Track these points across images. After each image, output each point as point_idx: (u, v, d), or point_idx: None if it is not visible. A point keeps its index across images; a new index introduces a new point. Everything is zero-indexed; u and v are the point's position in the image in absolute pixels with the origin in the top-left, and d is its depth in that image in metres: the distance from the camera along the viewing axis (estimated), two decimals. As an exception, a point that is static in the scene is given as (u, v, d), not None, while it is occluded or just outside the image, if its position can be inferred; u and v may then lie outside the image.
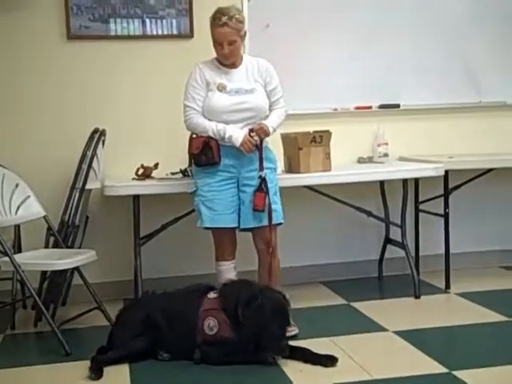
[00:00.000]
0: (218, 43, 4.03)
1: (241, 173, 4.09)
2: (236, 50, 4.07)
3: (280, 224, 4.17)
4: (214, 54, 4.74)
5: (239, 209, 4.12)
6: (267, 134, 4.10)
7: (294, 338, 3.90)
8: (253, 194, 4.03)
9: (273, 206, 4.09)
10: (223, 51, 4.03)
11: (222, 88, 4.07)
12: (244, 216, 4.10)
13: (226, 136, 4.00)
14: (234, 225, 4.12)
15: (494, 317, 4.32)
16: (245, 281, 3.87)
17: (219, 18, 3.99)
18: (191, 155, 4.16)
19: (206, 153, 4.03)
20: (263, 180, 4.03)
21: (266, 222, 4.07)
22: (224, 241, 4.15)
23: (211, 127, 4.03)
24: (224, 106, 4.05)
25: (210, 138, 4.03)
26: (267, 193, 4.02)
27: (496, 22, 5.46)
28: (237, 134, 4.00)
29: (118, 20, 4.98)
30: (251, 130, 4.05)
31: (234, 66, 4.13)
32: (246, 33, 4.13)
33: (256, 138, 4.03)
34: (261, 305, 3.60)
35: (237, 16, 4.02)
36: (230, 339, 3.61)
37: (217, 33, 4.01)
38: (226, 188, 4.09)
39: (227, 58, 4.08)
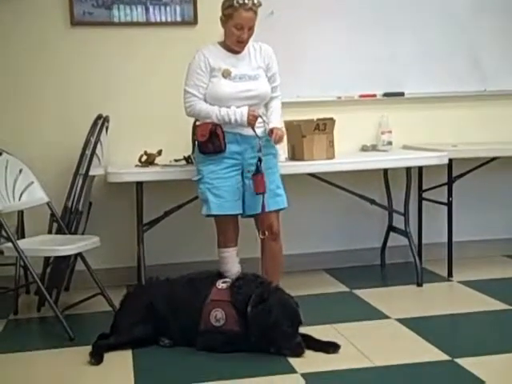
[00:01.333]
0: (238, 27, 3.97)
1: (245, 159, 4.08)
2: (252, 35, 4.06)
3: (283, 209, 4.17)
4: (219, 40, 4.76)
5: (243, 195, 4.11)
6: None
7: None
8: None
9: (277, 191, 4.10)
10: (243, 36, 3.99)
11: (227, 74, 4.04)
12: (249, 202, 4.09)
13: (232, 120, 3.99)
14: (240, 211, 4.12)
15: (496, 305, 4.32)
16: (256, 277, 3.82)
17: (246, 3, 3.94)
18: (197, 143, 4.10)
19: (212, 141, 4.00)
20: (259, 161, 3.99)
21: (273, 208, 4.07)
22: (228, 228, 4.14)
23: (215, 113, 4.01)
24: (230, 93, 4.03)
25: (215, 124, 4.01)
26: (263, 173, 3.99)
27: (501, 10, 5.44)
28: (240, 115, 3.98)
29: (122, 6, 4.97)
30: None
31: (238, 51, 4.11)
32: None
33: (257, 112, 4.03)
34: (273, 304, 3.57)
35: (257, 1, 4.00)
36: (236, 333, 3.60)
37: (242, 17, 3.95)
38: (231, 175, 4.08)
39: (243, 44, 4.05)
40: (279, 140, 4.10)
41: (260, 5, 4.03)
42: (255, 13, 4.00)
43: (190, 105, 4.07)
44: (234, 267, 4.13)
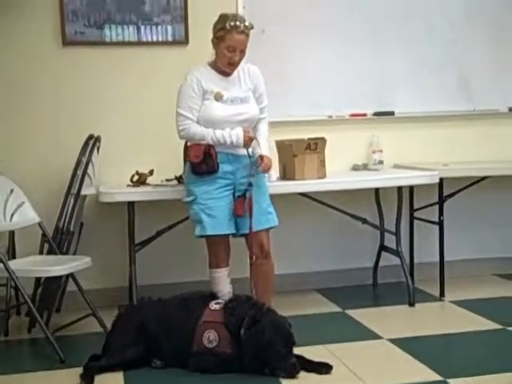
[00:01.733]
0: (230, 49, 4.00)
1: (237, 178, 4.10)
2: (243, 58, 4.09)
3: (274, 227, 4.20)
4: (209, 60, 4.78)
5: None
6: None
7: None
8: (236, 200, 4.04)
9: (268, 209, 4.14)
10: (235, 58, 4.02)
11: (219, 97, 4.06)
12: (241, 222, 4.09)
13: (228, 142, 4.01)
14: (233, 231, 4.13)
15: (488, 325, 4.33)
16: (249, 298, 3.83)
17: (238, 25, 3.98)
18: (190, 164, 4.11)
19: (206, 161, 4.02)
20: (250, 185, 4.03)
21: (265, 226, 4.10)
22: (220, 248, 4.15)
23: (210, 135, 4.02)
24: (222, 116, 4.05)
25: (208, 145, 4.03)
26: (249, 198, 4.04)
27: (490, 31, 5.51)
28: (236, 137, 4.01)
29: (113, 26, 4.99)
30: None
31: (228, 73, 4.14)
32: None
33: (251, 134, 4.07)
34: (266, 325, 3.57)
35: (249, 24, 4.04)
36: (229, 355, 3.59)
37: (234, 39, 3.99)
38: (224, 195, 4.09)
39: (234, 66, 4.08)
40: (267, 170, 4.17)
41: (252, 28, 4.07)
42: (247, 36, 4.03)
43: (184, 128, 4.07)
44: (225, 287, 4.13)
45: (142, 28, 5.04)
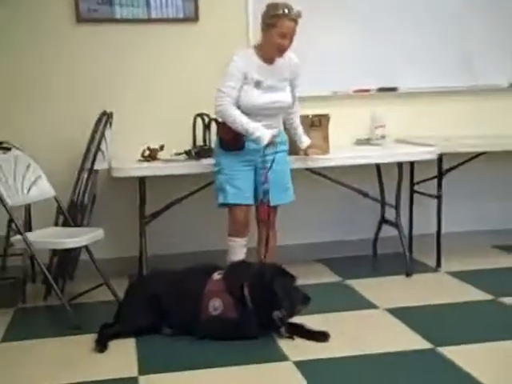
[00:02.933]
0: (281, 35, 4.16)
1: (260, 156, 4.31)
2: (291, 44, 4.25)
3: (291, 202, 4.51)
4: (221, 37, 5.08)
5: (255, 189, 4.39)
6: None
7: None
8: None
9: (288, 185, 4.44)
10: (285, 44, 4.18)
11: (257, 85, 4.24)
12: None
13: (254, 137, 4.19)
14: (252, 203, 4.40)
15: (480, 295, 4.52)
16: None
17: (290, 13, 4.14)
18: (221, 139, 4.33)
19: (235, 139, 4.24)
20: (266, 192, 4.29)
21: (284, 201, 4.44)
22: (243, 217, 4.36)
23: (241, 123, 4.17)
24: (258, 104, 4.24)
25: None
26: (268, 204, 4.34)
27: (491, 7, 5.60)
28: (263, 135, 4.19)
29: (124, 3, 5.10)
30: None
31: (271, 61, 4.29)
32: None
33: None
34: (264, 271, 3.88)
35: (298, 12, 4.20)
36: (234, 320, 3.82)
37: (286, 26, 4.15)
38: (247, 169, 4.34)
39: (283, 51, 4.24)
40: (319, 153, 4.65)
41: (300, 16, 4.22)
42: (297, 23, 4.19)
43: (222, 104, 4.20)
44: (241, 256, 4.35)
45: (153, 5, 5.16)
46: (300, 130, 4.61)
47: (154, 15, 5.18)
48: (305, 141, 4.60)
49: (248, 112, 4.23)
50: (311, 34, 5.31)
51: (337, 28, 5.40)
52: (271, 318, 3.85)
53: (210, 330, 3.86)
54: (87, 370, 3.57)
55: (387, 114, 5.44)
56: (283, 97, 4.35)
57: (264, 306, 3.82)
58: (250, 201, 4.37)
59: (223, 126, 4.29)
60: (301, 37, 5.21)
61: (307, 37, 5.27)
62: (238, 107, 4.23)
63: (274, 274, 3.87)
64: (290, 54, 4.35)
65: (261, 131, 4.19)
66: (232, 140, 4.26)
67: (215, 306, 3.86)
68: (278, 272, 3.91)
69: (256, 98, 4.24)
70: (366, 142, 5.43)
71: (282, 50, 4.23)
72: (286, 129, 4.57)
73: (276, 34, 4.17)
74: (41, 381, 3.47)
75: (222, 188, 4.34)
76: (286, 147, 4.49)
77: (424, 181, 5.35)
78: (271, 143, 4.22)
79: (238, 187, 4.31)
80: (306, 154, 4.62)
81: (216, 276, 3.98)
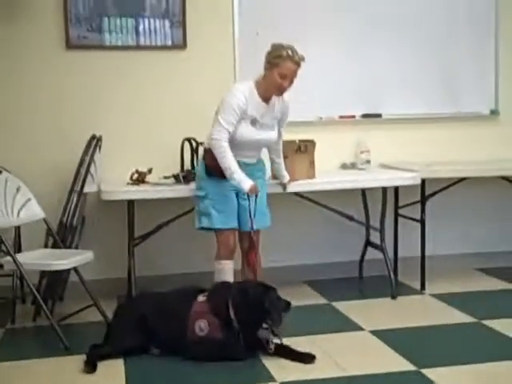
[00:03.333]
0: (282, 76, 4.26)
1: None
2: (291, 86, 4.36)
3: (267, 227, 4.59)
4: (208, 64, 5.23)
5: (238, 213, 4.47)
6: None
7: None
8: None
9: (265, 211, 4.51)
10: (285, 85, 4.29)
11: (253, 122, 4.35)
12: (243, 220, 4.44)
13: (235, 182, 4.24)
14: (237, 226, 4.46)
15: (463, 318, 4.60)
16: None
17: (294, 55, 4.27)
18: (206, 165, 4.40)
19: (220, 167, 4.30)
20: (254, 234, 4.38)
21: (262, 226, 4.52)
22: (230, 240, 4.44)
23: (229, 167, 4.22)
24: (250, 140, 4.37)
25: None
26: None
27: (473, 36, 5.77)
28: (245, 186, 4.24)
29: (114, 31, 5.19)
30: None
31: (268, 99, 4.39)
32: None
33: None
34: (248, 287, 3.99)
35: (302, 56, 4.33)
36: (220, 340, 3.89)
37: (288, 67, 4.26)
38: (231, 194, 4.41)
39: (283, 92, 4.36)
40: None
41: (304, 60, 4.34)
42: (299, 66, 4.31)
43: (218, 139, 4.23)
44: (230, 279, 4.41)
45: (142, 32, 5.25)
46: (282, 164, 4.73)
47: (142, 42, 5.27)
48: (285, 175, 4.74)
49: (236, 143, 4.31)
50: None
51: (322, 55, 5.48)
52: (257, 336, 3.93)
53: (197, 351, 3.92)
54: (77, 390, 3.61)
55: (372, 139, 5.57)
56: (272, 135, 4.48)
57: (250, 324, 3.90)
58: (235, 224, 4.45)
59: (210, 153, 4.34)
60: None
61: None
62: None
63: (257, 289, 3.97)
64: (284, 95, 4.46)
65: (243, 182, 4.24)
66: (217, 167, 4.30)
67: (201, 327, 3.93)
68: (259, 287, 4.01)
69: (250, 134, 4.35)
70: (351, 166, 5.53)
71: (281, 90, 4.34)
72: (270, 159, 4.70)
73: (277, 73, 4.27)
74: (30, 401, 3.50)
75: (206, 212, 4.39)
76: (264, 174, 4.59)
77: (408, 205, 5.45)
78: (252, 192, 4.27)
79: (224, 211, 4.38)
80: (284, 187, 4.76)
81: (201, 298, 4.05)
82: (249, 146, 4.40)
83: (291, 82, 4.32)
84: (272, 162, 4.74)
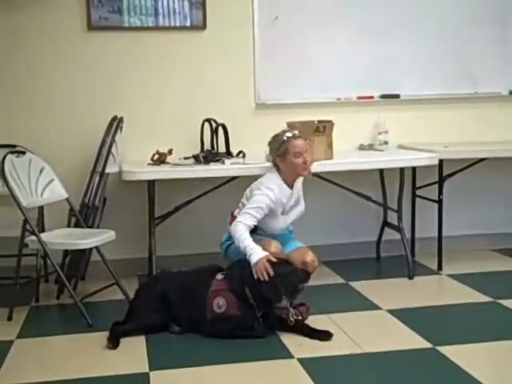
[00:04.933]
0: (297, 155, 4.30)
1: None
2: (312, 158, 4.41)
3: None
4: (228, 45, 5.29)
5: None
6: None
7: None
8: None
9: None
10: (305, 160, 4.31)
11: (283, 211, 4.42)
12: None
13: (247, 255, 4.05)
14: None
15: (480, 297, 4.64)
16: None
17: (293, 133, 4.34)
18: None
19: None
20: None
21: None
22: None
23: (241, 240, 4.10)
24: (280, 228, 4.45)
25: None
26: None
27: (492, 16, 5.74)
28: (255, 256, 4.02)
29: (133, 12, 5.23)
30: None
31: (292, 185, 4.45)
32: None
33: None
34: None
35: (300, 132, 4.40)
36: (237, 316, 3.99)
37: (296, 145, 4.31)
38: None
39: (307, 168, 4.36)
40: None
41: (302, 136, 4.41)
42: (305, 139, 4.37)
43: (238, 228, 4.16)
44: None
45: (161, 13, 5.28)
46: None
47: (161, 23, 5.31)
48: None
49: (271, 233, 4.39)
50: (315, 42, 5.52)
51: (342, 37, 5.53)
52: (275, 314, 4.01)
53: (216, 328, 4.01)
54: (100, 365, 3.70)
55: (390, 120, 5.58)
56: (299, 209, 4.56)
57: (266, 300, 3.96)
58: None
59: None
60: (307, 45, 5.47)
61: (311, 44, 5.50)
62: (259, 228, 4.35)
63: (271, 264, 3.99)
64: None
65: (254, 255, 4.02)
66: None
67: (219, 304, 4.02)
68: (273, 262, 4.03)
69: (280, 224, 4.44)
70: (369, 147, 5.56)
71: (307, 168, 4.36)
72: None
73: (292, 156, 4.30)
74: (56, 375, 3.60)
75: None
76: (291, 233, 4.66)
77: (425, 186, 5.48)
78: (261, 272, 3.96)
79: None
80: None
81: (219, 276, 4.13)
82: (281, 230, 4.48)
83: (309, 155, 4.36)
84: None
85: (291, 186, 4.44)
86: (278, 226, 4.43)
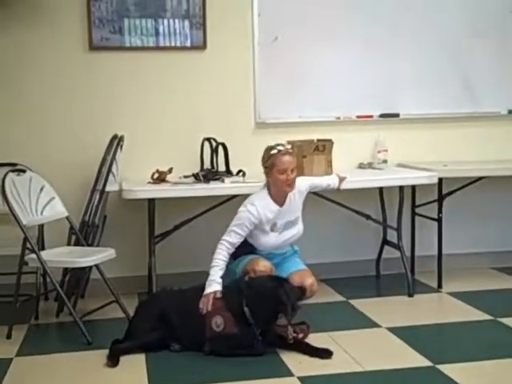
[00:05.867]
0: (281, 171, 4.27)
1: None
2: (295, 178, 4.36)
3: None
4: (228, 65, 5.31)
5: None
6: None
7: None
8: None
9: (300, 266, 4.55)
10: (288, 177, 4.29)
11: (273, 227, 4.40)
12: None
13: (207, 282, 4.19)
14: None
15: (480, 315, 4.64)
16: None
17: (281, 149, 4.31)
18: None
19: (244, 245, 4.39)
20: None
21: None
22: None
23: (212, 265, 4.24)
24: (273, 245, 4.44)
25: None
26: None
27: (491, 35, 5.78)
28: (208, 289, 4.15)
29: (134, 32, 5.27)
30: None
31: (282, 202, 4.41)
32: None
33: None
34: (260, 283, 4.07)
35: (290, 147, 4.40)
36: (235, 335, 3.99)
37: (281, 161, 4.27)
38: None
39: (290, 186, 4.33)
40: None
41: (293, 150, 4.42)
42: (292, 156, 4.35)
43: (221, 245, 4.28)
44: None
45: (161, 33, 5.33)
46: (326, 183, 4.78)
47: (162, 43, 5.35)
48: (334, 181, 4.80)
49: (263, 250, 4.41)
50: (315, 60, 5.54)
51: (340, 55, 5.56)
52: (275, 331, 4.02)
53: (215, 346, 4.01)
54: (100, 383, 3.70)
55: (389, 139, 5.60)
56: (295, 230, 4.50)
57: (265, 318, 3.98)
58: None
59: None
60: (307, 64, 5.50)
61: (311, 63, 5.53)
62: (251, 247, 4.40)
63: (268, 282, 4.05)
64: (296, 187, 4.45)
65: (208, 288, 4.15)
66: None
67: (217, 323, 4.02)
68: (271, 280, 4.09)
69: (272, 241, 4.41)
70: (369, 166, 5.57)
71: (289, 184, 4.33)
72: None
73: (277, 172, 4.29)
74: (55, 394, 3.60)
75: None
76: (293, 251, 4.63)
77: (425, 204, 5.50)
78: (204, 306, 4.09)
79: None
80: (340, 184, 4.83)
81: (217, 294, 4.13)
82: (277, 247, 4.47)
83: (294, 172, 4.32)
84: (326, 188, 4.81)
85: (280, 203, 4.40)
86: (269, 243, 4.41)
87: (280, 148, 4.33)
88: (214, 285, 4.15)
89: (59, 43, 5.19)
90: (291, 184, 4.34)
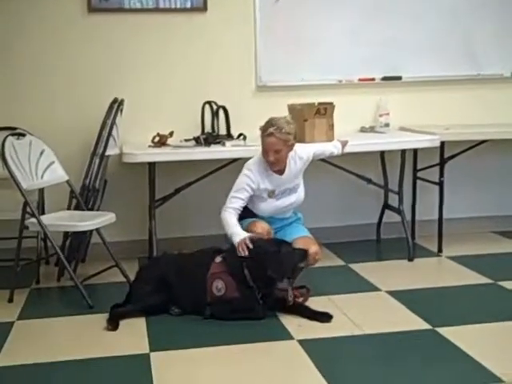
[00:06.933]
0: (265, 151, 4.25)
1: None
2: (281, 158, 4.27)
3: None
4: (228, 27, 5.31)
5: None
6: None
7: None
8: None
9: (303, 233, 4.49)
10: (269, 158, 4.23)
11: (271, 194, 4.35)
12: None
13: (232, 240, 4.12)
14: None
15: (479, 279, 4.66)
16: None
17: (267, 129, 4.22)
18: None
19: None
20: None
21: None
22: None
23: (227, 227, 4.17)
24: (272, 211, 4.38)
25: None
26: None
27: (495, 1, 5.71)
28: (237, 237, 4.10)
29: (134, -6, 5.23)
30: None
31: (280, 172, 4.35)
32: (293, 144, 4.30)
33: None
34: (260, 245, 4.02)
35: (285, 128, 4.23)
36: (236, 299, 4.00)
37: (265, 142, 4.22)
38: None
39: (273, 165, 4.28)
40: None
41: (288, 132, 4.22)
42: (278, 138, 4.20)
43: (226, 211, 4.23)
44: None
45: (162, -6, 5.29)
46: (330, 151, 4.73)
47: (162, 5, 5.28)
48: (338, 147, 4.75)
49: (262, 215, 4.36)
50: (316, 23, 5.48)
51: (344, 18, 5.50)
52: (275, 295, 4.03)
53: (216, 310, 4.03)
54: (101, 347, 3.72)
55: (391, 102, 5.57)
56: (295, 197, 4.45)
57: (265, 281, 3.98)
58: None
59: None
60: (309, 27, 5.44)
61: (312, 25, 5.46)
62: (254, 213, 4.35)
63: (269, 245, 4.04)
64: (296, 153, 4.39)
65: (236, 237, 4.10)
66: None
67: (218, 287, 4.03)
68: (271, 243, 4.08)
69: (270, 206, 4.36)
70: (370, 129, 5.55)
71: (271, 165, 4.27)
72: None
73: (263, 150, 4.27)
74: (56, 356, 3.61)
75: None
76: (296, 217, 4.57)
77: (426, 168, 5.48)
78: (242, 250, 4.04)
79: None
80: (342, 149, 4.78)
81: (218, 258, 4.13)
82: (275, 212, 4.41)
83: (276, 154, 4.22)
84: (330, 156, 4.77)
85: (278, 173, 4.35)
86: (268, 208, 4.38)
87: (266, 127, 4.22)
88: (241, 234, 4.09)
89: (58, 5, 5.14)
90: (274, 164, 4.27)
